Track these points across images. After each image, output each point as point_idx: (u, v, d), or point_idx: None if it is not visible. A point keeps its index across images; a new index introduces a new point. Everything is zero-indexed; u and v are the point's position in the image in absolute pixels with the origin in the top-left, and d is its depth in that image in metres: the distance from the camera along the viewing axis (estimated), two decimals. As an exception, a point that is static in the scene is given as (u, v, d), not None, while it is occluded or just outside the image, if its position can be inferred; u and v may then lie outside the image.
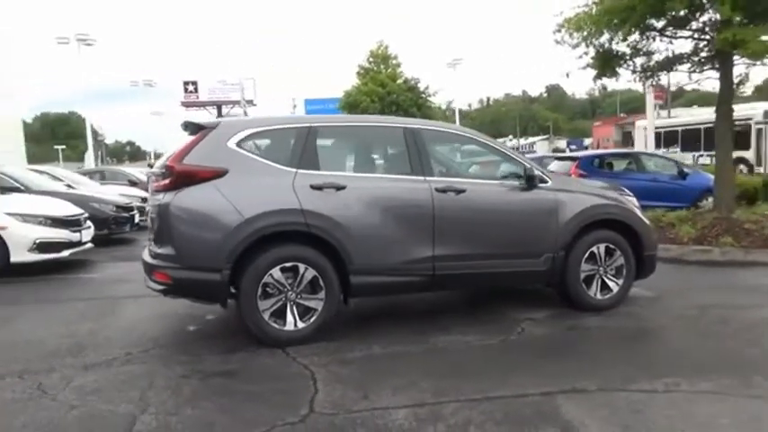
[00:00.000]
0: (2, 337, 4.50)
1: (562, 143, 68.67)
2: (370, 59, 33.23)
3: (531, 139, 77.73)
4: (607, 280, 4.95)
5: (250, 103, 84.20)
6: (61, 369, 3.68)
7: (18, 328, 4.75)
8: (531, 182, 4.70)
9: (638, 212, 5.10)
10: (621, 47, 9.54)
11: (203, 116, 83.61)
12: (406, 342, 4.17)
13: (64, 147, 69.45)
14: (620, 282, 4.98)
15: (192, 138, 4.14)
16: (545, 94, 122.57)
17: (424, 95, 32.63)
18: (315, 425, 2.86)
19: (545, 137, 79.22)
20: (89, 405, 3.13)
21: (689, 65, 9.35)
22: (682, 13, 8.50)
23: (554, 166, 12.56)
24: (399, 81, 32.77)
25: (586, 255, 4.83)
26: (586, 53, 9.52)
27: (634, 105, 63.75)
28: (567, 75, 10.92)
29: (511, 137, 79.58)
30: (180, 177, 3.98)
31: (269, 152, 4.25)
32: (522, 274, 4.76)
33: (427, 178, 4.44)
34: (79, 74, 31.19)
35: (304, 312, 4.12)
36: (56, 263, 7.08)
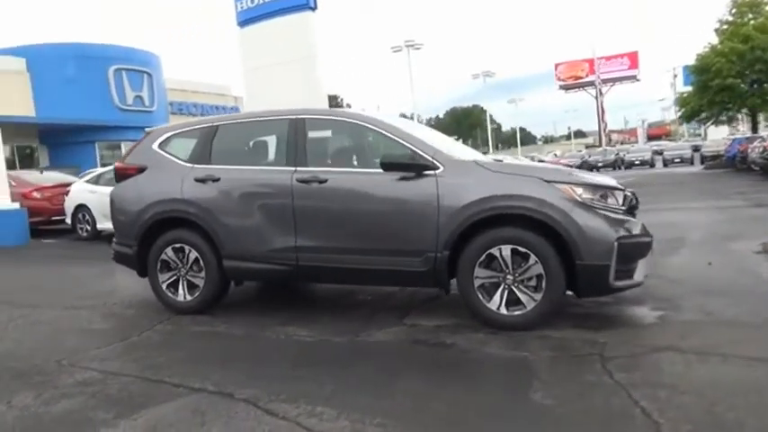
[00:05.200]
0: (76, 285, 6.56)
1: None
2: (733, 10, 27.18)
3: None
4: (518, 292, 3.88)
5: (633, 78, 78.91)
6: (51, 307, 5.36)
7: (91, 280, 6.73)
8: (409, 170, 4.10)
9: (575, 209, 3.74)
10: None
11: (581, 97, 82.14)
12: (252, 327, 4.35)
13: (456, 137, 79.54)
14: (538, 296, 3.82)
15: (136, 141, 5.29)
16: None
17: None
18: (44, 367, 3.66)
19: None
20: (6, 331, 4.68)
21: None
22: None
23: None
24: (777, 30, 25.82)
25: (483, 257, 3.91)
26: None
27: None
28: None
29: None
30: (118, 173, 5.19)
31: (179, 151, 5.00)
32: (400, 273, 4.18)
33: (298, 168, 4.43)
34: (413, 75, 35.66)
35: (193, 287, 4.78)
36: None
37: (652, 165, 37.23)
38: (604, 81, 72.77)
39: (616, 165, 38.96)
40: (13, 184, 11.46)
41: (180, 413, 2.86)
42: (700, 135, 66.29)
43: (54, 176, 13.00)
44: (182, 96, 32.57)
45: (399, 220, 4.13)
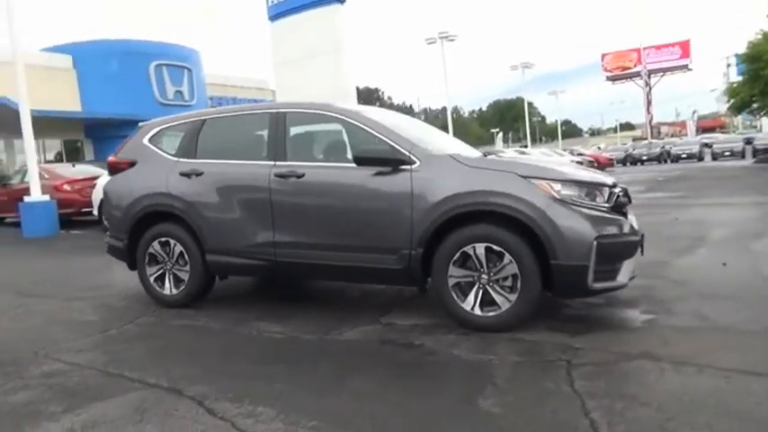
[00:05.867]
0: (84, 276, 6.71)
1: None
2: (789, -6, 25.59)
3: None
4: (493, 292, 3.73)
5: (685, 68, 75.89)
6: (53, 297, 5.54)
7: (100, 271, 6.76)
8: (383, 164, 3.99)
9: (552, 206, 3.55)
10: None
11: (629, 88, 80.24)
12: (231, 322, 4.35)
13: (497, 129, 78.46)
14: (513, 297, 3.66)
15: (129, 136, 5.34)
16: None
17: None
18: (21, 357, 3.74)
19: None
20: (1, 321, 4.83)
21: None
22: None
23: None
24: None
25: (457, 255, 3.77)
26: None
27: None
28: None
29: None
30: (111, 167, 5.26)
31: (166, 145, 5.03)
32: (376, 271, 4.08)
33: (277, 163, 4.38)
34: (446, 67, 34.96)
35: (179, 281, 4.81)
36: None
37: (700, 158, 35.70)
38: (654, 71, 70.22)
39: (662, 158, 37.54)
40: (46, 176, 11.90)
41: (123, 409, 2.85)
42: (755, 127, 63.10)
43: (85, 169, 13.42)
44: (221, 91, 33.07)
45: (374, 216, 4.03)
